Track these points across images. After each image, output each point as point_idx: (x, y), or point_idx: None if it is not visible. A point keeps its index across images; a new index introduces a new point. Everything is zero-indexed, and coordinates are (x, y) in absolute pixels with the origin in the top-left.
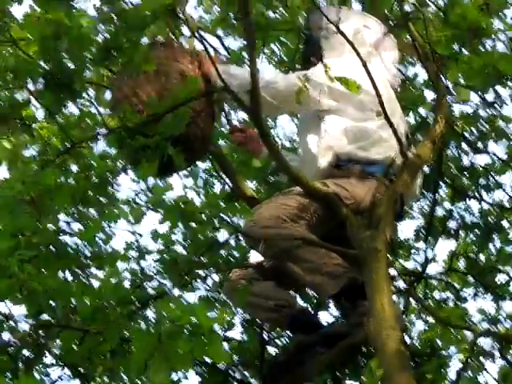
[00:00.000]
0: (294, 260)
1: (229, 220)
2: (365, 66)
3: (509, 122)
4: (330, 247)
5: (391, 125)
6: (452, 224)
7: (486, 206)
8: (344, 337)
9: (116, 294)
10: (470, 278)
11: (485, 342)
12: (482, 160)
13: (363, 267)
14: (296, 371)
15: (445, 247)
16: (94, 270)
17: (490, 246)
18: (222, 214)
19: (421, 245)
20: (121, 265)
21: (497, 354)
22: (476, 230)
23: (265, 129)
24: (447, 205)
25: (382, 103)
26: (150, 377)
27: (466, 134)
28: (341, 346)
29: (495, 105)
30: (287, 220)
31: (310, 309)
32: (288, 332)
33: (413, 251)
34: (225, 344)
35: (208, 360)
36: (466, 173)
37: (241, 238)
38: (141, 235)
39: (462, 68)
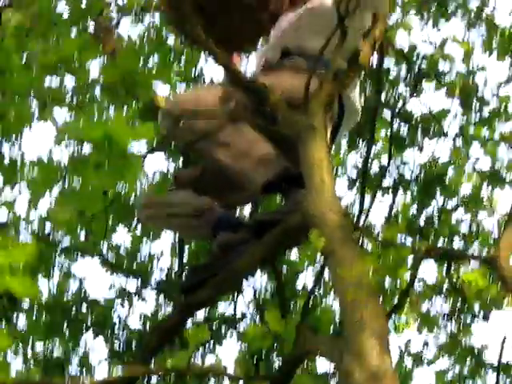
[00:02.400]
0: (217, 145)
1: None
2: None
3: (451, 61)
4: (259, 123)
5: None
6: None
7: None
8: (276, 224)
9: None
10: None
11: None
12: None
13: (299, 145)
14: (223, 273)
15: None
16: None
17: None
18: None
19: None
20: None
21: None
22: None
23: None
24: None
25: None
26: (52, 215)
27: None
28: (273, 234)
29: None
30: (208, 105)
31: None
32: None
33: None
34: None
35: None
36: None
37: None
38: None
39: None
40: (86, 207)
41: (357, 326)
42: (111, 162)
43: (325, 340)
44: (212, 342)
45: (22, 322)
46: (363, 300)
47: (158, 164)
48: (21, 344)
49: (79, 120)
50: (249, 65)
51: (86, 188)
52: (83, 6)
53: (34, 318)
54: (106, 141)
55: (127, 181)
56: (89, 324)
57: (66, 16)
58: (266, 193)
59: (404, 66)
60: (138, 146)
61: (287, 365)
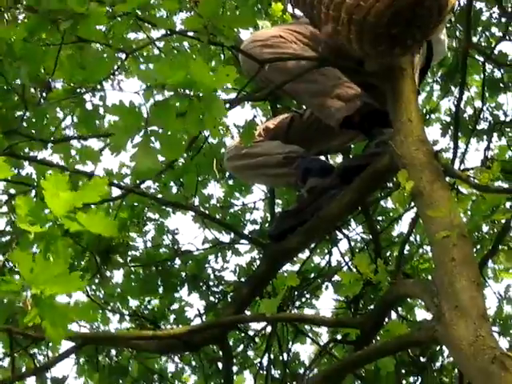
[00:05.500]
0: (299, 84)
1: None
2: None
3: None
4: (347, 65)
5: None
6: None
7: None
8: (364, 168)
9: None
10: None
11: None
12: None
13: (385, 86)
14: (312, 219)
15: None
16: None
17: None
18: None
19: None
20: None
21: None
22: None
23: None
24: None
25: None
26: (134, 162)
27: None
28: (361, 177)
29: None
30: (294, 42)
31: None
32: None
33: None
34: None
35: None
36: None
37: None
38: None
39: None
40: (169, 153)
41: (447, 266)
42: (193, 106)
43: (417, 283)
44: (308, 295)
45: (116, 278)
46: (453, 240)
47: (244, 114)
48: (118, 302)
49: (160, 65)
50: None
51: (169, 134)
52: None
53: (129, 273)
54: (188, 84)
55: (209, 125)
56: (183, 278)
57: None
58: (347, 129)
59: (496, 8)
60: (223, 95)
61: (379, 309)
